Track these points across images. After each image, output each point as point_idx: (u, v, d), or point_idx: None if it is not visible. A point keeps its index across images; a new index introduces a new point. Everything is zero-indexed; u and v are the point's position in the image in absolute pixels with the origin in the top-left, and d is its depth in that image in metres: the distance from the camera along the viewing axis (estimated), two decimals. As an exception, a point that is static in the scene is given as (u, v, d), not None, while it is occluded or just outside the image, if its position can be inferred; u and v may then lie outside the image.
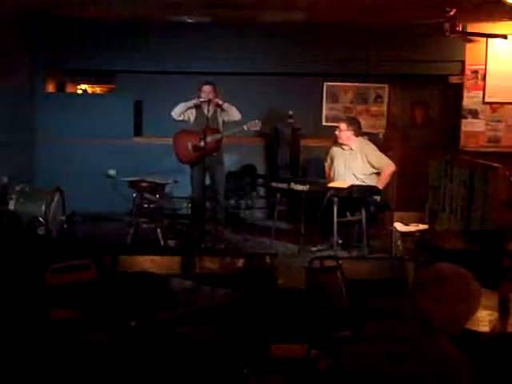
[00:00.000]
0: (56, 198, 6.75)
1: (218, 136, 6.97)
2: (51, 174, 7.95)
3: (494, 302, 3.39)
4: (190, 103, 7.07)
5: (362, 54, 8.67)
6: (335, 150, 6.95)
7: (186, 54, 8.75)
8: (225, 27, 8.57)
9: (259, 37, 8.68)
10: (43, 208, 6.45)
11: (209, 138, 6.74)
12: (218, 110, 7.10)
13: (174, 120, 7.16)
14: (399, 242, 6.22)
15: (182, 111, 7.08)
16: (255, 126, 6.97)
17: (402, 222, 6.50)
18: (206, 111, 6.86)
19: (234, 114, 7.06)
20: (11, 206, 6.40)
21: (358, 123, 6.94)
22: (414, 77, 8.96)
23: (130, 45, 8.75)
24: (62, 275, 3.95)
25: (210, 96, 6.92)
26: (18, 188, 6.56)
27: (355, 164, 6.73)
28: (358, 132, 6.84)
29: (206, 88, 6.98)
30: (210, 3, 7.31)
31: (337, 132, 6.84)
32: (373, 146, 6.86)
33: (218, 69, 8.55)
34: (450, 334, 2.25)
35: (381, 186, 6.62)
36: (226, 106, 7.04)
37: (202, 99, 6.95)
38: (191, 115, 7.14)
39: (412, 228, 6.34)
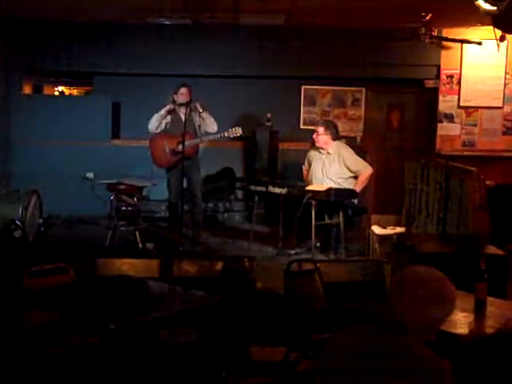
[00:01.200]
0: (33, 201, 6.70)
1: (196, 141, 6.94)
2: (28, 177, 7.88)
3: (471, 305, 3.43)
4: (163, 111, 6.99)
5: (339, 58, 8.72)
6: (312, 153, 6.98)
7: (165, 57, 8.73)
8: (204, 30, 8.58)
9: (238, 39, 8.69)
10: (20, 211, 6.40)
11: (187, 143, 6.72)
12: (194, 113, 7.03)
13: (153, 132, 7.09)
14: (376, 245, 6.27)
15: (158, 123, 7.01)
16: (236, 132, 6.91)
17: (379, 225, 6.56)
18: (181, 114, 6.85)
19: (211, 126, 6.94)
20: (-13, 208, 6.35)
21: (336, 127, 6.96)
22: (391, 80, 9.05)
23: (108, 46, 8.72)
24: (39, 278, 3.93)
25: (187, 98, 6.89)
26: (-6, 190, 6.52)
27: (332, 168, 6.76)
28: (336, 136, 6.86)
29: (184, 90, 6.93)
30: (188, 6, 7.31)
31: (314, 136, 6.86)
32: (350, 150, 6.90)
33: (197, 71, 8.55)
34: (426, 337, 2.28)
35: (358, 189, 6.66)
36: (204, 114, 6.96)
37: (180, 101, 6.92)
38: (166, 122, 7.08)
39: (389, 231, 6.39)
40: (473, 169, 6.16)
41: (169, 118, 7.06)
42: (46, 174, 8.17)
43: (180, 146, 6.74)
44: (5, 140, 8.71)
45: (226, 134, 6.90)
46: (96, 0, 7.24)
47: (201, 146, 7.18)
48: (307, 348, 3.54)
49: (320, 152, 6.86)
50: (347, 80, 9.07)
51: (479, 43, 8.23)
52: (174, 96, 6.96)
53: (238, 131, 6.89)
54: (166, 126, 7.09)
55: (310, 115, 9.19)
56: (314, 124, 8.02)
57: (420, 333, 2.25)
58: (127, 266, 4.94)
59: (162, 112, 6.99)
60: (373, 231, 6.47)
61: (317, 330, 3.72)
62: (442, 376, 2.14)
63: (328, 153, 6.79)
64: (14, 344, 3.55)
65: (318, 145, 6.85)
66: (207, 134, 7.03)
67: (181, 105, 6.89)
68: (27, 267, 3.95)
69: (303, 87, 9.18)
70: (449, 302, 2.30)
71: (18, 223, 6.33)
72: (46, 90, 10.22)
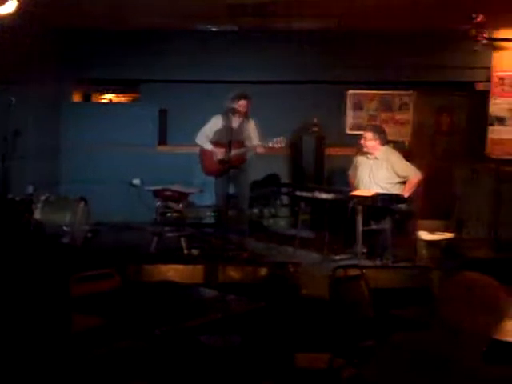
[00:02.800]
0: (81, 208, 6.78)
1: (242, 150, 6.94)
2: (76, 183, 8.00)
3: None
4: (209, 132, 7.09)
5: (387, 61, 8.62)
6: (360, 158, 6.90)
7: (211, 63, 8.76)
8: (249, 35, 8.58)
9: (283, 45, 8.66)
10: (68, 217, 6.48)
11: (233, 152, 6.72)
12: (245, 122, 7.05)
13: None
14: (424, 251, 6.14)
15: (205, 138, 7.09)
16: (279, 142, 6.88)
17: (427, 231, 6.43)
18: (233, 123, 6.87)
19: (252, 137, 7.02)
20: (37, 215, 6.43)
21: (384, 132, 6.87)
22: (440, 83, 8.89)
23: (154, 54, 8.80)
24: (85, 284, 3.96)
25: (245, 110, 6.93)
26: (43, 197, 6.59)
27: (380, 173, 6.67)
28: (384, 141, 6.78)
29: (243, 102, 6.96)
30: (235, 12, 7.31)
31: (362, 141, 6.78)
32: (398, 155, 6.79)
33: (242, 77, 8.54)
34: (478, 346, 2.20)
35: (406, 195, 6.55)
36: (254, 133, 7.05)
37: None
38: (216, 129, 7.10)
39: (437, 236, 6.26)
40: (525, 173, 6.00)
41: (220, 124, 7.07)
42: (94, 180, 8.28)
43: (227, 156, 6.73)
44: (54, 147, 8.86)
45: (269, 145, 6.87)
46: (142, 8, 7.30)
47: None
48: (352, 355, 3.48)
49: (367, 157, 6.78)
50: (395, 84, 8.96)
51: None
52: (232, 104, 6.95)
53: (282, 142, 6.87)
54: (214, 134, 7.10)
55: (357, 120, 9.10)
56: (361, 129, 7.93)
57: (472, 341, 2.18)
58: (172, 271, 4.96)
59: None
60: (420, 237, 6.34)
61: (363, 337, 3.65)
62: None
63: (376, 158, 6.71)
64: (61, 348, 3.57)
65: (365, 150, 6.77)
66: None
67: (234, 113, 6.86)
68: (74, 273, 3.98)
69: (349, 92, 9.09)
70: (502, 310, 2.22)
71: (67, 229, 6.41)
72: (95, 99, 10.36)
